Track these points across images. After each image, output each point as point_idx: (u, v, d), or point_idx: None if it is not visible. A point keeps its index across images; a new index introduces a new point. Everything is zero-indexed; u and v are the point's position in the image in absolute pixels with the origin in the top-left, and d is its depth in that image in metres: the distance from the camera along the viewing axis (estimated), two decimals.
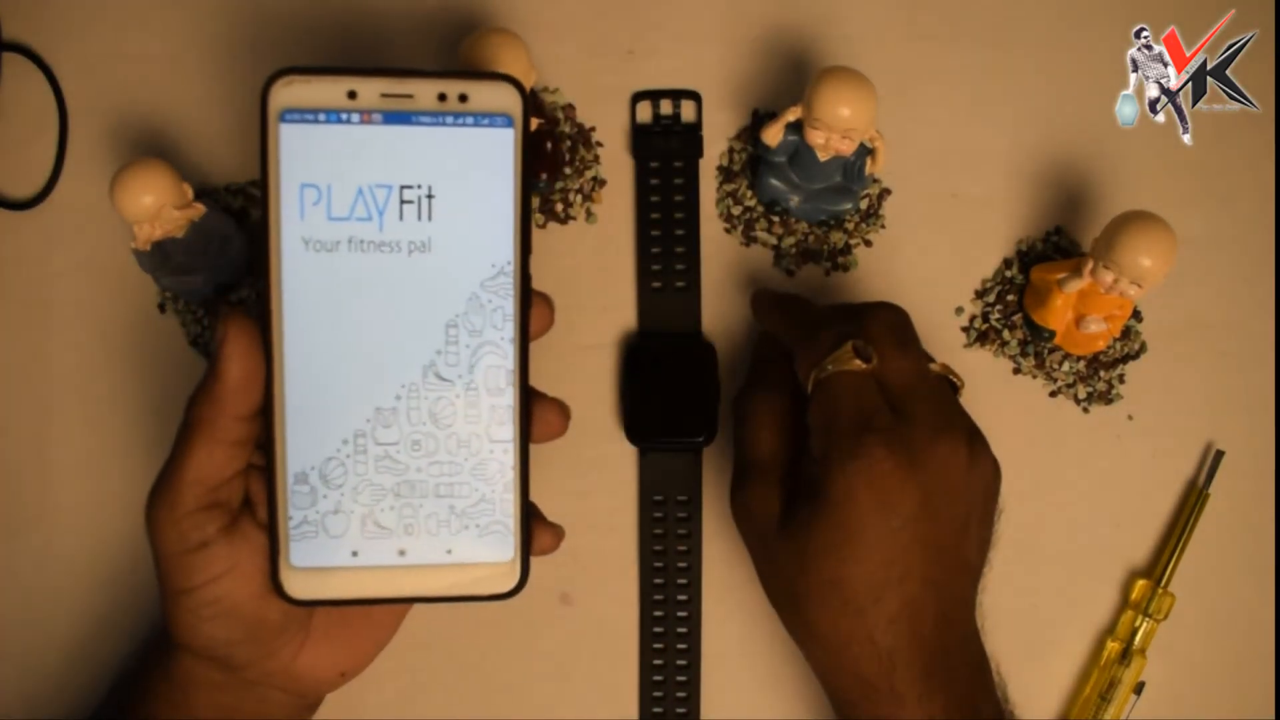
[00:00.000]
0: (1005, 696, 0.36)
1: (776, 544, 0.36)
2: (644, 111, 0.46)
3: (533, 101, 0.45)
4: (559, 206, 0.45)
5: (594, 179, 0.46)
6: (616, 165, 0.46)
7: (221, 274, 0.43)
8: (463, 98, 0.32)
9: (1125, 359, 0.45)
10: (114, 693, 0.40)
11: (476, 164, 0.32)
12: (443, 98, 0.32)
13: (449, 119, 0.32)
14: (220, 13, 0.47)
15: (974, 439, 0.36)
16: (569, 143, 0.46)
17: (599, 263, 0.46)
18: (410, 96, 0.32)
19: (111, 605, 0.44)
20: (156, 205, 0.39)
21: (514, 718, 0.44)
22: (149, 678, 0.37)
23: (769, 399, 0.39)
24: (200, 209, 0.41)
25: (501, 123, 0.32)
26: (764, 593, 0.37)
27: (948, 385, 0.38)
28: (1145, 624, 0.44)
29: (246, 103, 0.46)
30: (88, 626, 0.44)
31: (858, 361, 0.35)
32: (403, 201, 0.32)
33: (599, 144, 0.46)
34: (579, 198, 0.46)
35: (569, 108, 0.46)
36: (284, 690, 0.37)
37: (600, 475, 0.45)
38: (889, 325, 0.37)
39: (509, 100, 0.32)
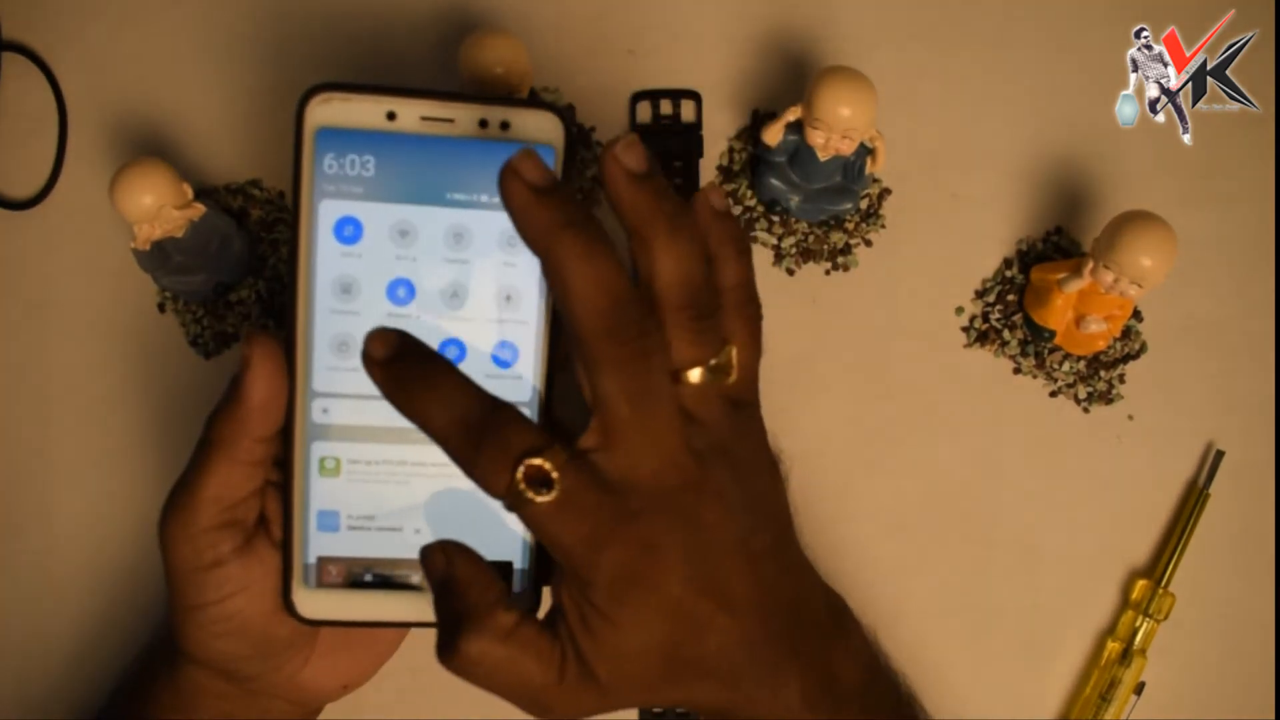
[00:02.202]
0: (874, 640, 0.34)
1: (628, 694, 0.30)
2: (644, 111, 0.46)
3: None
4: None
5: (594, 179, 0.46)
6: None
7: (221, 274, 0.43)
8: (504, 125, 0.31)
9: (1125, 359, 0.45)
10: (115, 696, 0.39)
11: None
12: (484, 124, 0.31)
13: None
14: (220, 12, 0.47)
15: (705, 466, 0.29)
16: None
17: None
18: (451, 121, 0.31)
19: (112, 606, 0.44)
20: (156, 205, 0.39)
21: (514, 718, 0.44)
22: (152, 684, 0.37)
23: (492, 635, 0.29)
24: (200, 209, 0.41)
25: (543, 153, 0.31)
26: None
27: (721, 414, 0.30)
28: (1145, 624, 0.44)
29: (247, 102, 0.46)
30: (88, 627, 0.44)
31: (539, 497, 0.27)
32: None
33: (599, 144, 0.46)
34: (579, 198, 0.46)
35: (569, 108, 0.46)
36: (287, 700, 0.37)
37: None
38: (624, 393, 0.27)
39: (552, 130, 0.31)
